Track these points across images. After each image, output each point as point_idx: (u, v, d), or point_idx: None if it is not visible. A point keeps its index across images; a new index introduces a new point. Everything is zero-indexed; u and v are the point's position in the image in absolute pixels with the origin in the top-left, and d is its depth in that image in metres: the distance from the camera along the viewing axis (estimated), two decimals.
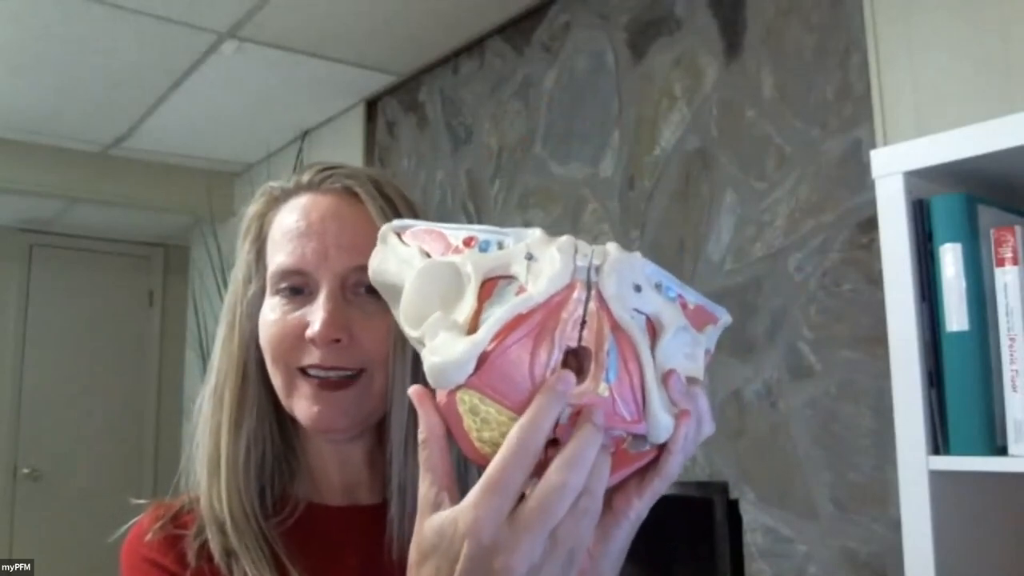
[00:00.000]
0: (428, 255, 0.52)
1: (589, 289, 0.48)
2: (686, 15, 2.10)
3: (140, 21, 2.58)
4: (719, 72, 2.01)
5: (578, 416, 0.47)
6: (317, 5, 2.50)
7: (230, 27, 2.63)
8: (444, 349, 0.47)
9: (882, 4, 1.70)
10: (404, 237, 0.54)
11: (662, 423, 0.48)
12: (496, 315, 0.47)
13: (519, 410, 0.47)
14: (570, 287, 0.48)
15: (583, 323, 0.48)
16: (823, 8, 1.81)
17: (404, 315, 0.50)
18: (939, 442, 1.08)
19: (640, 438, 0.49)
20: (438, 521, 0.48)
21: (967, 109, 1.54)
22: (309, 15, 2.56)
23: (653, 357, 0.49)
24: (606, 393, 0.47)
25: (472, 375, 0.47)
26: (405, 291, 0.50)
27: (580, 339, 0.48)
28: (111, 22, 2.59)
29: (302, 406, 0.72)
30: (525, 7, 2.53)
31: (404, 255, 0.52)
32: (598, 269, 0.49)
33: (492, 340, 0.46)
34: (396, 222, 0.55)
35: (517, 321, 0.47)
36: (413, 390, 0.50)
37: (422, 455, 0.50)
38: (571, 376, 0.47)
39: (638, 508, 0.51)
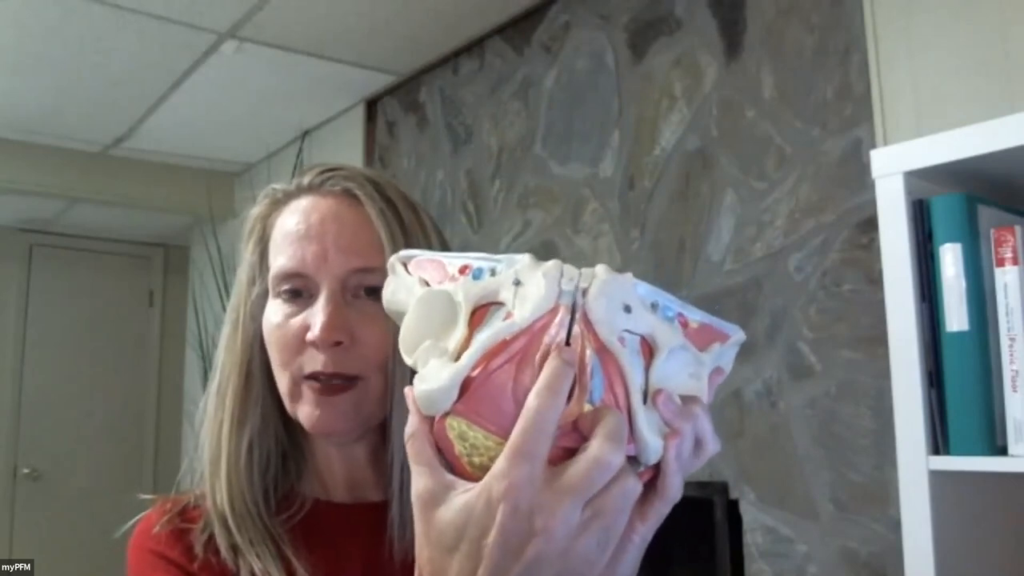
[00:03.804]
0: (427, 284, 0.52)
1: (574, 312, 0.48)
2: (686, 15, 2.10)
3: (140, 21, 2.58)
4: (719, 72, 2.00)
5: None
6: (317, 5, 2.50)
7: (230, 27, 2.62)
8: (431, 376, 0.47)
9: (882, 4, 1.70)
10: (409, 267, 0.54)
11: (650, 445, 0.48)
12: (480, 341, 0.47)
13: (504, 435, 0.46)
14: (553, 311, 0.48)
15: (566, 346, 0.47)
16: (823, 8, 1.81)
17: (402, 342, 0.51)
18: (939, 442, 1.08)
19: (632, 460, 0.49)
20: (461, 501, 0.45)
21: (967, 109, 1.54)
22: (309, 15, 2.56)
23: (648, 377, 0.49)
24: None
25: (457, 401, 0.46)
26: (404, 319, 0.51)
27: None
28: (111, 22, 2.59)
29: (304, 411, 0.74)
30: (525, 7, 2.53)
31: (408, 284, 0.53)
32: (585, 292, 0.48)
33: (476, 366, 0.46)
34: (402, 252, 0.55)
35: (501, 347, 0.47)
36: (407, 390, 0.50)
37: (411, 450, 0.48)
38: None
39: (642, 532, 0.50)
